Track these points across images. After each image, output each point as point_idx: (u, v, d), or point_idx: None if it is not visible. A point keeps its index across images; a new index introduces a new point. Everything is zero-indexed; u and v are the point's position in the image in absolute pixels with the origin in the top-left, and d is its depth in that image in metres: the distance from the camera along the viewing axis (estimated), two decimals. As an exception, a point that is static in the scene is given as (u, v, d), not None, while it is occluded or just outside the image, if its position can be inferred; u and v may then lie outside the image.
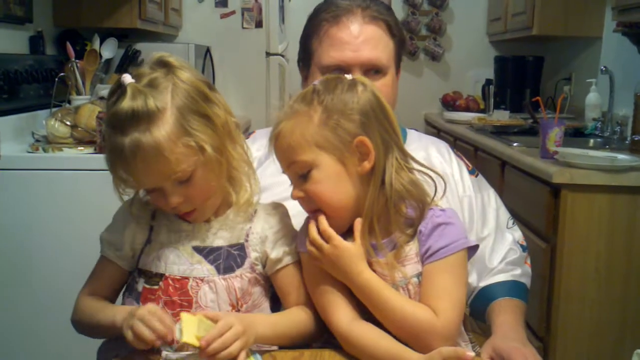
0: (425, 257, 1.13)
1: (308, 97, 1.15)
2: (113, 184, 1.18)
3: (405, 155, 1.17)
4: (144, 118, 1.07)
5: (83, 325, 1.20)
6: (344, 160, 1.12)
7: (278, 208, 1.25)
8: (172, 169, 1.09)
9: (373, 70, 1.46)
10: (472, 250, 1.18)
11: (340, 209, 1.13)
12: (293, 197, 1.17)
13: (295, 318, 1.19)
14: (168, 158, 1.08)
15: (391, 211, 1.13)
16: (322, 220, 1.14)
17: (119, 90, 1.11)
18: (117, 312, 1.12)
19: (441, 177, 1.18)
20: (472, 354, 1.01)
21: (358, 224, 1.13)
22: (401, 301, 1.10)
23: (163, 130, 1.08)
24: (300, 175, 1.14)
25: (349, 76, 1.18)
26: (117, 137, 1.09)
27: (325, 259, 1.13)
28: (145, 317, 1.04)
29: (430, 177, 1.17)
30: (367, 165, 1.12)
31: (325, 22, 1.49)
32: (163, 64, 1.13)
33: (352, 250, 1.12)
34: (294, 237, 1.23)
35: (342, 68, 1.45)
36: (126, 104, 1.07)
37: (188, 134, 1.10)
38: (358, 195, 1.13)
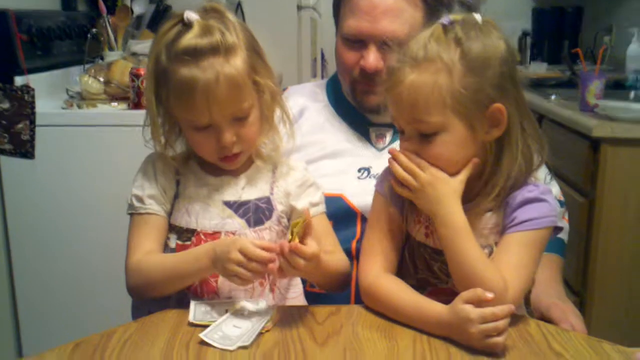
0: (507, 226, 1.07)
1: (443, 41, 1.03)
2: (151, 129, 1.18)
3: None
4: (222, 50, 1.09)
5: (155, 285, 1.14)
6: (474, 126, 1.04)
7: (299, 162, 1.27)
8: (241, 102, 1.12)
9: (390, 44, 1.36)
10: (556, 231, 1.14)
11: (450, 172, 1.06)
12: (402, 149, 1.09)
13: (340, 258, 1.21)
14: (242, 90, 1.11)
15: (499, 181, 1.07)
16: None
17: (180, 26, 1.11)
18: (200, 255, 1.10)
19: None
20: (492, 294, 0.98)
21: (472, 164, 1.06)
22: (481, 259, 1.03)
23: (239, 63, 1.11)
24: (421, 133, 1.06)
25: (478, 16, 1.07)
26: (187, 69, 1.09)
27: (420, 188, 1.05)
28: (242, 260, 1.04)
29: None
30: (496, 133, 1.06)
31: None
32: (214, 10, 1.15)
33: (452, 183, 1.05)
34: (317, 190, 1.25)
35: (359, 39, 1.40)
36: (202, 37, 1.09)
37: (256, 72, 1.14)
38: (472, 157, 1.07)
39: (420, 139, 1.06)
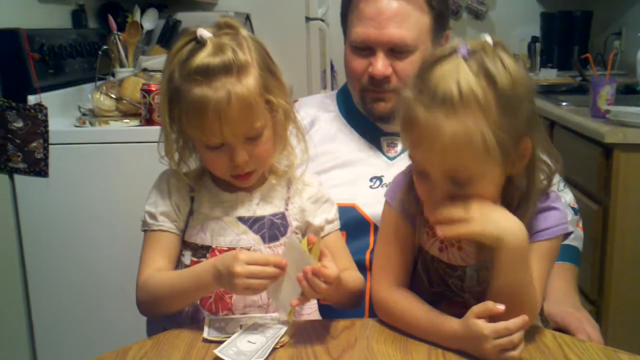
0: None
1: (473, 78, 0.94)
2: (165, 146, 1.17)
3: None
4: (234, 70, 1.09)
5: (161, 302, 1.14)
6: (506, 163, 0.99)
7: (314, 178, 1.27)
8: (253, 122, 1.11)
9: (397, 50, 1.39)
10: (565, 236, 1.14)
11: None
12: (429, 197, 1.03)
13: (356, 277, 1.20)
14: (254, 110, 1.10)
15: (530, 204, 1.05)
16: None
17: (193, 44, 1.11)
18: (202, 272, 1.09)
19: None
20: (502, 306, 0.97)
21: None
22: (531, 281, 1.01)
23: (251, 82, 1.10)
24: (455, 181, 0.99)
25: (488, 38, 0.99)
26: (199, 89, 1.08)
27: (472, 216, 0.98)
28: (252, 271, 1.03)
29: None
30: (520, 166, 1.03)
31: None
32: (228, 26, 1.15)
33: (494, 205, 1.01)
34: (332, 206, 1.25)
35: (368, 46, 1.40)
36: (214, 56, 1.09)
37: (268, 91, 1.13)
38: (499, 189, 1.04)
39: (453, 185, 0.99)
